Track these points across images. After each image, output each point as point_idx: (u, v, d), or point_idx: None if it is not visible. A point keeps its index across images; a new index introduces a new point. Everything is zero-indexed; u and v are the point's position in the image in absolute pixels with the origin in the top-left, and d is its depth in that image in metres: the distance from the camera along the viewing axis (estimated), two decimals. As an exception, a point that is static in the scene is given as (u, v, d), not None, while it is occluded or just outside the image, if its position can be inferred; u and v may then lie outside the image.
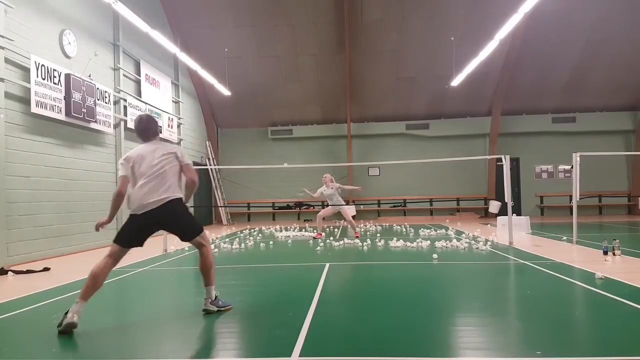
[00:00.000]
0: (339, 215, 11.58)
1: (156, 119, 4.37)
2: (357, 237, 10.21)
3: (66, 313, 3.49)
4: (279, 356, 2.89)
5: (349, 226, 11.22)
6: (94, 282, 3.66)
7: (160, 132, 13.13)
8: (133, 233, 3.85)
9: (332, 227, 13.88)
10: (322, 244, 9.32)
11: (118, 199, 3.85)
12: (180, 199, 3.94)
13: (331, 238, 9.95)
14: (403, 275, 6.01)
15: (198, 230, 4.02)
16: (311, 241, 10.10)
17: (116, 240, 3.83)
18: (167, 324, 3.95)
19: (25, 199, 7.84)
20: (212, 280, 4.03)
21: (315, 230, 11.40)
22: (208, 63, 14.60)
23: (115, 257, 3.80)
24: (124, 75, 11.39)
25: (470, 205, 18.20)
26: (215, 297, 4.06)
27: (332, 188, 10.69)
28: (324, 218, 11.25)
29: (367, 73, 16.73)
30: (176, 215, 3.89)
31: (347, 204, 12.02)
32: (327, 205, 11.14)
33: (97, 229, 3.88)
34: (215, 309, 4.01)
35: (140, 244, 3.92)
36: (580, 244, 8.32)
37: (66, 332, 3.44)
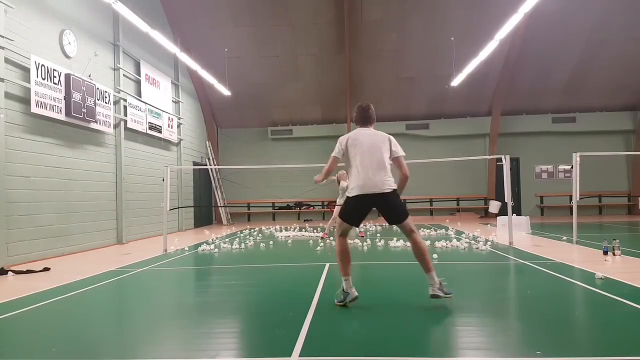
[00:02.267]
0: None
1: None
2: (361, 236, 10.34)
3: (343, 291, 4.09)
4: (279, 356, 2.90)
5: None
6: (345, 257, 4.17)
7: (160, 131, 13.13)
8: (356, 212, 4.21)
9: (332, 227, 13.88)
10: (322, 244, 9.33)
11: (327, 174, 4.44)
12: (395, 190, 4.18)
13: (331, 238, 9.95)
14: (403, 275, 6.02)
15: (405, 215, 4.20)
16: (311, 241, 10.11)
17: (343, 218, 4.24)
18: (167, 324, 3.95)
19: (25, 199, 7.84)
20: (430, 266, 4.10)
21: (323, 229, 11.33)
22: (208, 63, 14.59)
23: (345, 234, 4.24)
24: (124, 75, 11.38)
25: (470, 205, 18.19)
26: (440, 282, 4.09)
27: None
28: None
29: (367, 73, 16.72)
30: (391, 203, 4.15)
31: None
32: (334, 203, 11.15)
33: (316, 182, 4.61)
34: (443, 294, 4.05)
35: (359, 223, 4.34)
36: (580, 244, 8.32)
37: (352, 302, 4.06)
